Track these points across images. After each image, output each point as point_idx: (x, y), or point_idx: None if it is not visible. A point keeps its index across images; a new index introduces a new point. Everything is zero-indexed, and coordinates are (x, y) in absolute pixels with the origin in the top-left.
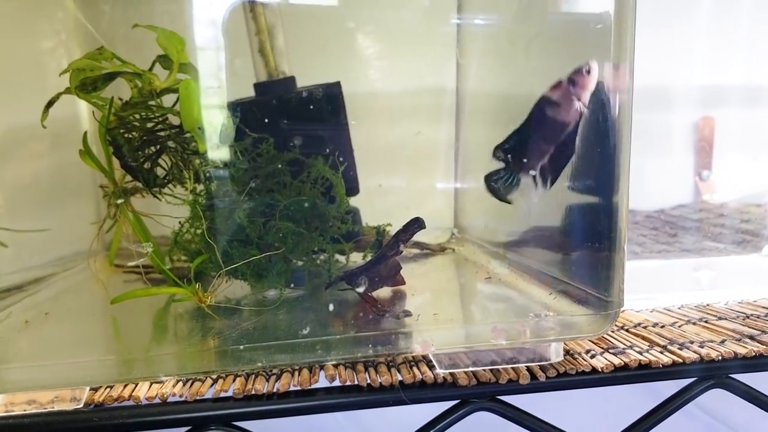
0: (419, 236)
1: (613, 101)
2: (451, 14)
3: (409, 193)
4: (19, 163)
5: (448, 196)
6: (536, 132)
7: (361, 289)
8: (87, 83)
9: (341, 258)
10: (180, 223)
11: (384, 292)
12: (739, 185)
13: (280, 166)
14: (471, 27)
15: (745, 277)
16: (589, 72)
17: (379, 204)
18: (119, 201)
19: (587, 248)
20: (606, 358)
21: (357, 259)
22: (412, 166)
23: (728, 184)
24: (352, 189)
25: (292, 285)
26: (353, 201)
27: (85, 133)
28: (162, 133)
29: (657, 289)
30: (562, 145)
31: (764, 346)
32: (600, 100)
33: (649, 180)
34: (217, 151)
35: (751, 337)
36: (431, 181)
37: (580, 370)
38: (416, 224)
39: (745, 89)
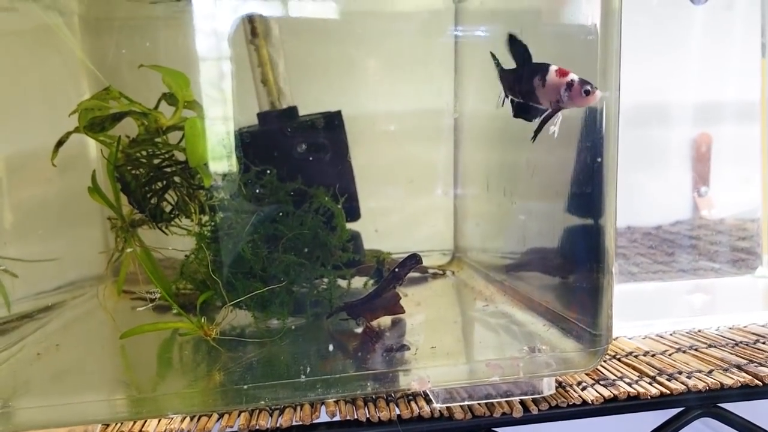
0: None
1: (595, 121)
2: (449, 32)
3: (411, 214)
4: (29, 188)
5: (448, 218)
6: (524, 79)
7: (358, 330)
8: (96, 123)
9: (344, 283)
10: (186, 256)
11: (384, 321)
12: (736, 201)
13: (282, 196)
14: (467, 47)
15: (737, 300)
16: (587, 93)
17: (380, 225)
18: (126, 234)
19: (575, 279)
20: (596, 390)
21: (359, 283)
22: (413, 188)
23: (726, 199)
24: (354, 214)
25: (294, 315)
26: (355, 224)
27: (94, 171)
28: (168, 169)
29: (652, 315)
30: (532, 107)
31: (749, 377)
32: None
33: (648, 196)
34: (222, 185)
35: (738, 367)
36: (431, 202)
37: (571, 403)
38: (413, 260)
39: (741, 105)
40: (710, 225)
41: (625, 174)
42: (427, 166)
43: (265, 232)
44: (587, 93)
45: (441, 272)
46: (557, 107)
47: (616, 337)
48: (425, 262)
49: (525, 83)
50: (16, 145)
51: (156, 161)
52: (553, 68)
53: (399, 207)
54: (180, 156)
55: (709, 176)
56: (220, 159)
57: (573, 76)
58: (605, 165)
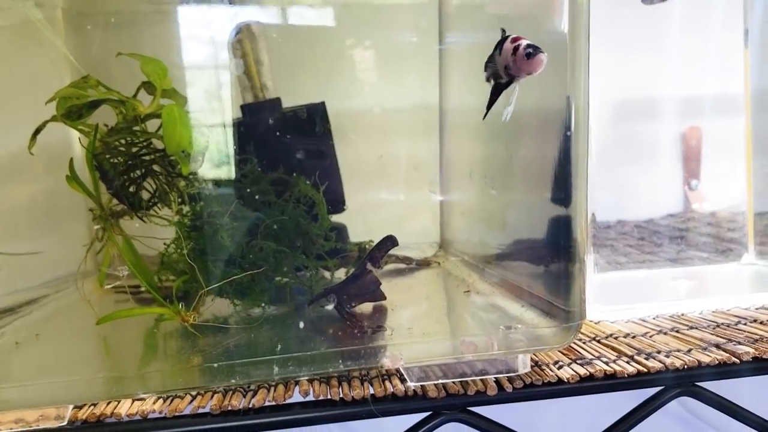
0: (407, 251)
1: (563, 106)
2: (434, 35)
3: (398, 208)
4: (12, 185)
5: (435, 211)
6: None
7: (329, 306)
8: (73, 111)
9: (327, 274)
10: (165, 244)
11: (366, 307)
12: (727, 194)
13: (264, 185)
14: (452, 46)
15: (723, 285)
16: (529, 56)
17: (368, 219)
18: (106, 224)
19: (550, 260)
20: (573, 369)
21: (344, 273)
22: (401, 182)
23: (717, 192)
24: (338, 206)
25: (275, 303)
26: (342, 217)
27: (71, 159)
28: (147, 157)
29: (637, 300)
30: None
31: (727, 355)
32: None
33: (640, 190)
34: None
35: (717, 346)
36: (419, 196)
37: (546, 381)
38: (389, 242)
39: (729, 97)
40: (701, 218)
41: (616, 169)
42: (414, 160)
43: (246, 221)
44: (528, 56)
45: (425, 263)
46: (509, 76)
47: (599, 321)
48: (412, 254)
49: (491, 60)
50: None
51: (134, 149)
52: (510, 37)
53: (387, 200)
54: (159, 144)
55: (700, 170)
56: (201, 148)
57: (522, 41)
58: (574, 157)
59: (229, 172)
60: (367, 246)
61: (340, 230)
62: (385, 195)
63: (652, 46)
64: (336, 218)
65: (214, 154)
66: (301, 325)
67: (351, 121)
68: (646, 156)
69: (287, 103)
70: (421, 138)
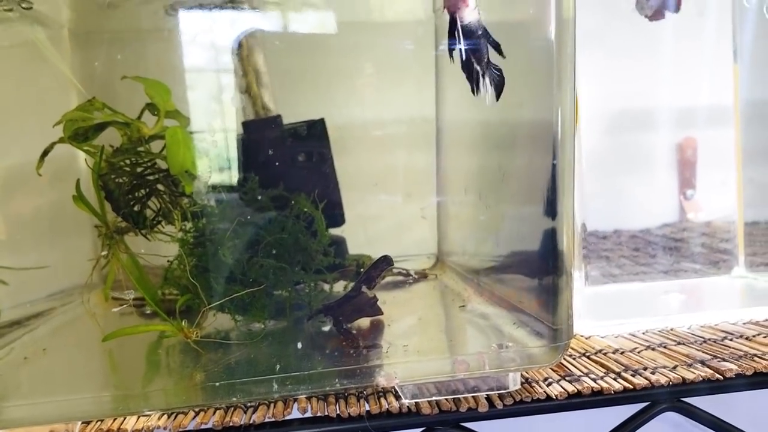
0: (404, 263)
1: (551, 113)
2: (431, 46)
3: (396, 219)
4: (18, 198)
5: (432, 222)
6: None
7: (326, 328)
8: (80, 133)
9: (327, 286)
10: (168, 261)
11: (363, 322)
12: (722, 203)
13: (265, 202)
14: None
15: (713, 299)
16: None
17: (367, 229)
18: (111, 242)
19: (537, 274)
20: (561, 386)
21: (343, 287)
22: (399, 194)
23: (712, 202)
24: (338, 220)
25: (274, 318)
26: (341, 227)
27: (78, 180)
28: (151, 177)
29: (628, 314)
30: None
31: (711, 371)
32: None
33: (637, 200)
34: (204, 191)
35: (702, 362)
36: (417, 208)
37: (535, 398)
38: (385, 263)
39: (722, 109)
40: (695, 227)
41: (613, 178)
42: (412, 172)
43: (247, 238)
44: None
45: (423, 275)
46: (451, 17)
47: (589, 336)
48: (410, 266)
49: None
50: (8, 156)
51: (139, 169)
52: None
53: (385, 213)
54: (162, 164)
55: (695, 179)
56: (203, 167)
57: None
58: (560, 170)
59: (231, 189)
60: (365, 262)
61: (339, 243)
62: (383, 206)
63: (648, 58)
64: (335, 232)
65: (215, 172)
66: (300, 345)
67: (350, 133)
68: (643, 166)
69: (286, 113)
70: (418, 149)
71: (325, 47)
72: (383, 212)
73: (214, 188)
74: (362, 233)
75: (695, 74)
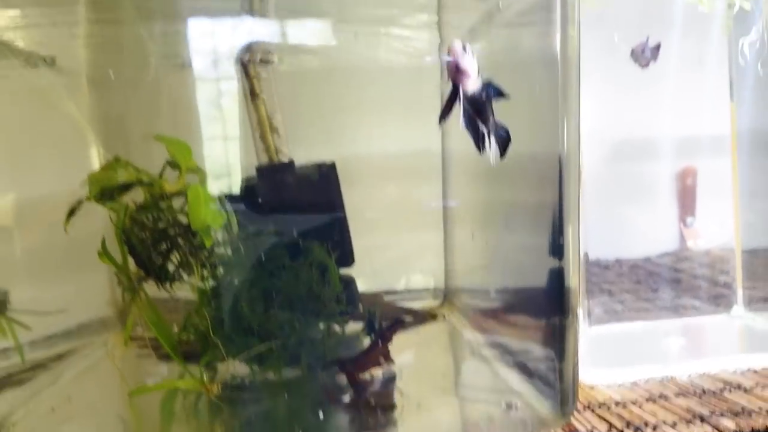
0: (412, 303)
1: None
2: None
3: (403, 253)
4: (39, 233)
5: (439, 257)
6: None
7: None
8: (105, 193)
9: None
10: (188, 312)
11: (375, 372)
12: (720, 231)
13: (280, 251)
14: None
15: (713, 342)
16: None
17: (374, 261)
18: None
19: (541, 334)
20: None
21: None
22: (406, 227)
23: (711, 230)
24: (347, 260)
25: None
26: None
27: (104, 238)
28: (171, 231)
29: (632, 361)
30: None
31: (710, 428)
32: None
33: (637, 229)
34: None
35: (702, 418)
36: (423, 242)
37: None
38: (398, 324)
39: (721, 139)
40: (695, 257)
41: (614, 207)
42: (419, 205)
43: (263, 287)
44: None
45: (431, 315)
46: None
47: (593, 386)
48: (416, 305)
49: None
50: (27, 193)
51: (160, 225)
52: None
53: (392, 245)
54: (182, 218)
55: (695, 207)
56: (220, 219)
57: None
58: (565, 209)
59: (246, 237)
60: (374, 312)
61: (349, 283)
62: (390, 240)
63: (649, 90)
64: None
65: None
66: (321, 416)
67: (356, 167)
68: (644, 194)
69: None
70: (425, 182)
71: (336, 86)
72: (390, 243)
73: (231, 240)
74: (370, 265)
75: (698, 104)
